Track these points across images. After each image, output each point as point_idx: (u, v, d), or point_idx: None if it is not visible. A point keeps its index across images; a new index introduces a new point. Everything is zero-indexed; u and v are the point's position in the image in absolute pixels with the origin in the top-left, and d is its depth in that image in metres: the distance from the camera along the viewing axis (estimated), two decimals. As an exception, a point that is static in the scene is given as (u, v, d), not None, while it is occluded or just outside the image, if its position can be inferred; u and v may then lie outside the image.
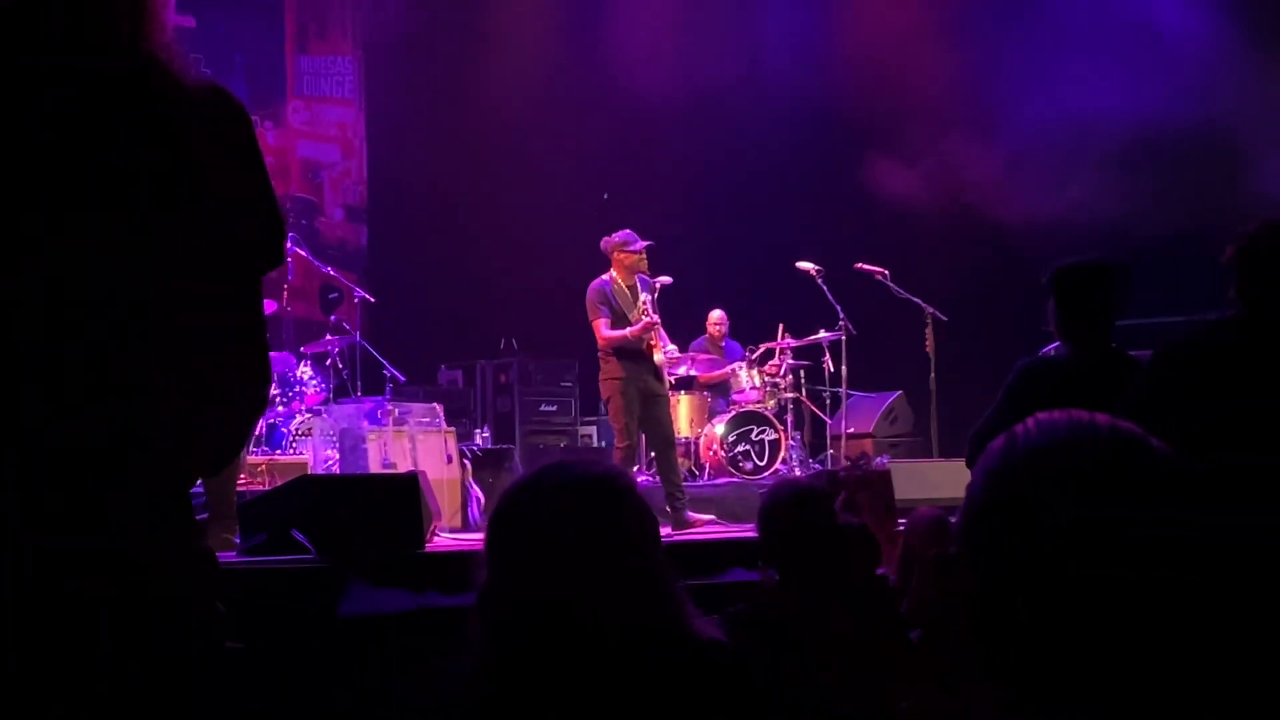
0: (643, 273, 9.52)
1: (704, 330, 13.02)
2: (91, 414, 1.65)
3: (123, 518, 1.67)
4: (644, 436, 10.05)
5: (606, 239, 9.59)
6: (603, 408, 9.98)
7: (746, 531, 8.45)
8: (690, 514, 9.37)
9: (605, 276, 9.51)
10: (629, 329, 9.32)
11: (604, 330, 9.38)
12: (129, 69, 1.76)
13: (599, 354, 9.48)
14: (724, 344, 13.00)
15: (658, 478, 9.79)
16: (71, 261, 1.66)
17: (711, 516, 9.69)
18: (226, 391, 1.84)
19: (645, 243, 9.54)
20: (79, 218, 1.68)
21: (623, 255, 9.43)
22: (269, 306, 10.53)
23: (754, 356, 12.40)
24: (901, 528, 4.65)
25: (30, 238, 1.64)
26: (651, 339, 9.39)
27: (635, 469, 10.96)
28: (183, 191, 1.78)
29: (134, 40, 1.79)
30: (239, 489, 7.65)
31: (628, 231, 9.60)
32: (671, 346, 9.79)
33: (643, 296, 9.52)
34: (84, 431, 1.64)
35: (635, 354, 9.34)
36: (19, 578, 1.56)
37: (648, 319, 9.36)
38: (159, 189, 1.75)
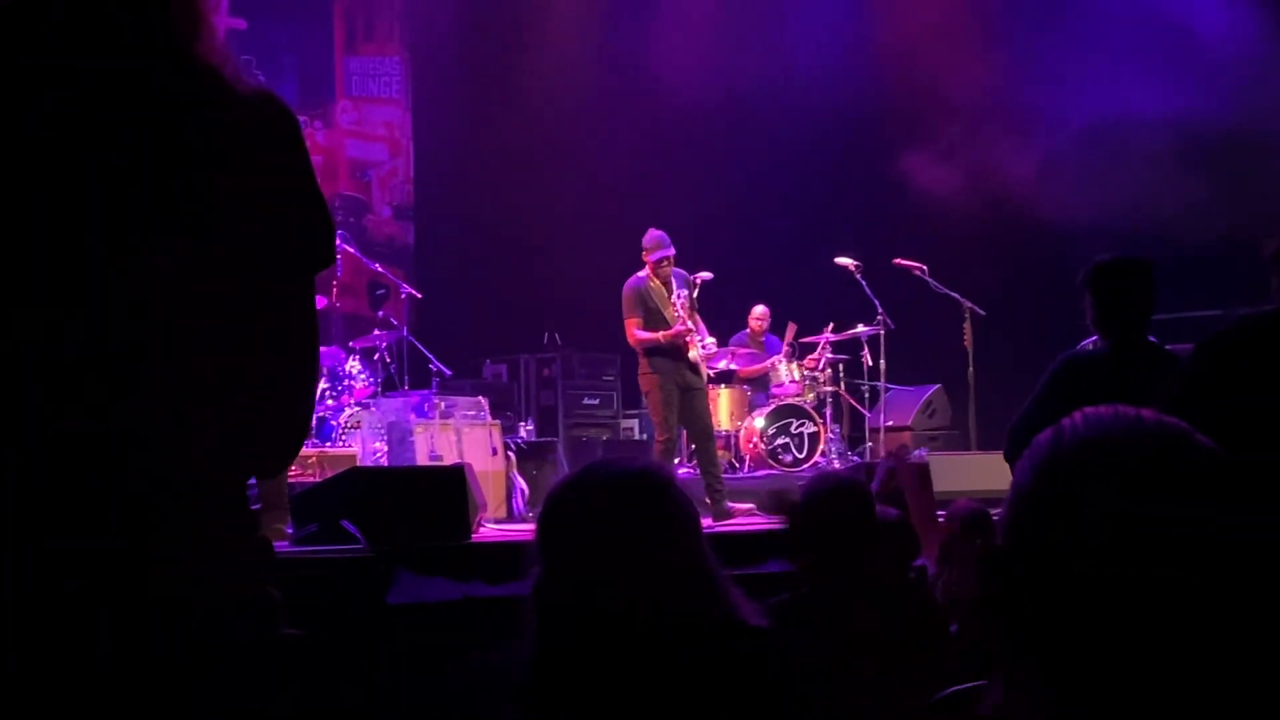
0: (664, 279, 9.49)
1: (744, 325, 13.00)
2: (87, 414, 1.64)
3: (127, 517, 1.65)
4: (684, 430, 10.02)
5: (647, 232, 9.60)
6: (643, 401, 9.98)
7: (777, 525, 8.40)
8: (730, 504, 9.36)
9: (641, 274, 9.51)
10: (661, 332, 9.31)
11: (636, 331, 9.39)
12: (160, 69, 1.75)
13: (637, 351, 9.50)
14: (764, 339, 12.97)
15: (698, 470, 9.78)
16: (72, 261, 1.66)
17: (751, 506, 9.68)
18: (274, 388, 1.84)
19: (664, 253, 9.44)
20: (80, 217, 1.67)
21: (647, 259, 9.47)
22: (319, 303, 10.54)
23: (790, 342, 12.36)
24: (941, 520, 4.62)
25: (31, 236, 1.64)
26: (686, 338, 9.40)
27: (676, 461, 10.96)
28: (200, 195, 1.75)
29: (184, 41, 1.78)
30: (290, 480, 7.69)
31: (658, 234, 9.56)
32: (710, 340, 9.76)
33: (676, 294, 9.49)
34: (79, 431, 1.62)
35: (671, 349, 9.37)
36: (19, 578, 1.55)
37: (680, 325, 9.32)
38: (170, 192, 1.72)
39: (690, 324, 9.43)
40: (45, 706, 1.56)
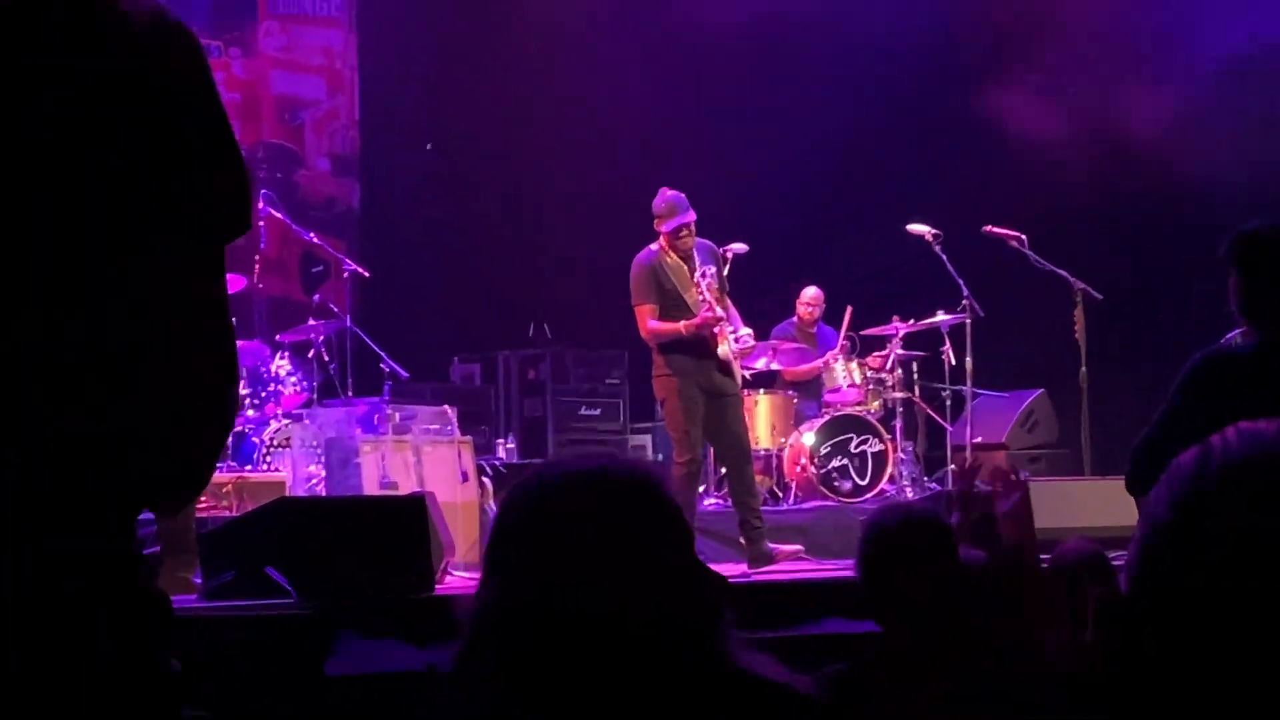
0: (684, 253, 9.39)
1: (791, 312, 12.99)
2: (87, 414, 1.87)
3: (127, 517, 1.93)
4: (711, 448, 10.00)
5: (659, 193, 9.49)
6: (658, 412, 9.96)
7: (843, 569, 8.41)
8: (771, 546, 9.35)
9: (653, 248, 9.42)
10: (683, 322, 9.19)
11: (650, 321, 9.28)
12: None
13: (651, 346, 9.46)
14: (816, 329, 12.96)
15: (728, 500, 9.77)
16: (73, 261, 1.90)
17: (798, 548, 9.67)
18: (174, 396, 1.93)
19: (681, 219, 9.31)
20: (81, 216, 1.91)
21: (660, 229, 9.35)
22: (235, 283, 10.60)
23: (845, 338, 12.36)
24: (1046, 564, 4.61)
25: (32, 236, 1.88)
26: (714, 328, 9.31)
27: (701, 490, 10.94)
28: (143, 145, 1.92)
29: None
30: (199, 514, 7.69)
31: (673, 195, 9.36)
32: (746, 332, 9.70)
33: (700, 271, 9.39)
34: (79, 431, 1.87)
35: (695, 343, 9.28)
36: (19, 578, 1.81)
37: (706, 311, 9.21)
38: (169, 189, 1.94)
39: (719, 310, 9.34)
40: (45, 707, 1.82)
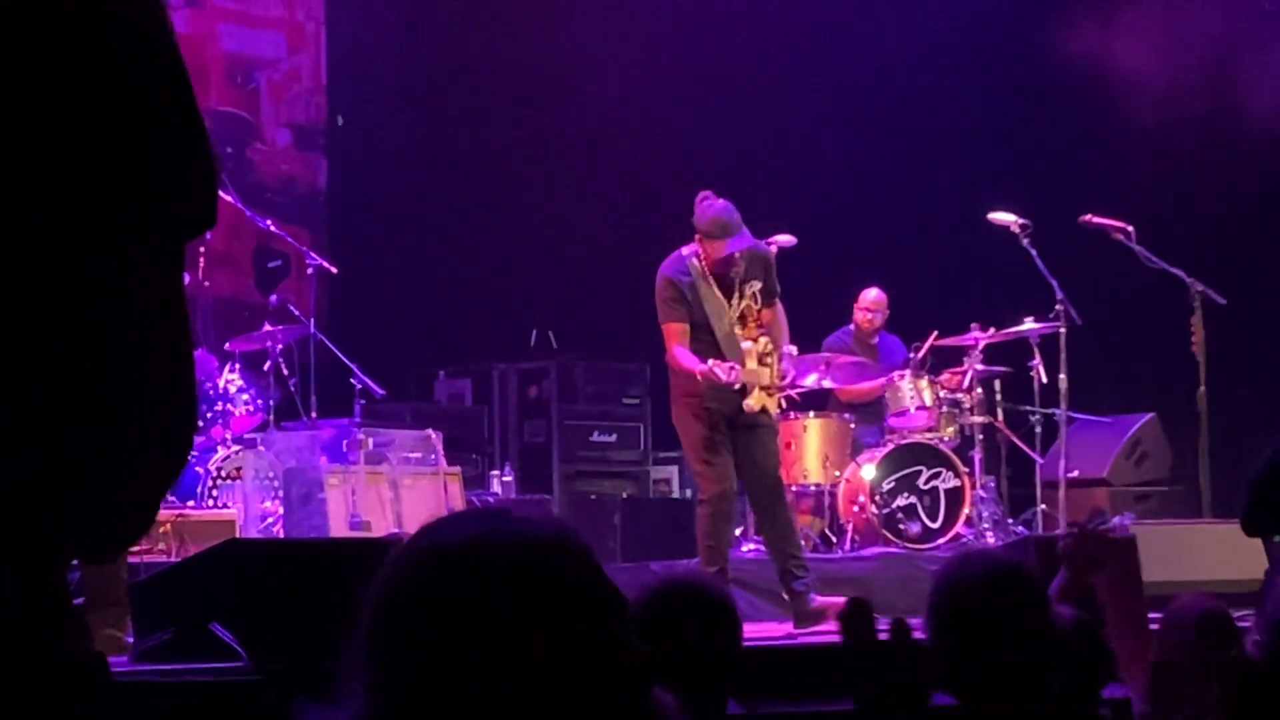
0: (724, 280, 9.36)
1: (847, 318, 12.98)
2: (10, 444, 1.87)
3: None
4: (741, 484, 9.99)
5: (701, 198, 9.42)
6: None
7: (912, 630, 8.39)
8: (817, 598, 9.34)
9: (685, 251, 9.41)
10: (701, 367, 9.12)
11: (676, 346, 9.29)
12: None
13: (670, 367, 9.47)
14: (878, 340, 12.94)
15: (764, 547, 9.75)
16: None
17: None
18: (123, 421, 1.93)
19: (730, 247, 9.22)
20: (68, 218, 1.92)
21: (706, 245, 9.29)
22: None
23: (919, 357, 12.34)
24: (1155, 626, 4.61)
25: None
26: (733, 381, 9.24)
27: (739, 533, 10.94)
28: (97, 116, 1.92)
29: None
30: (130, 560, 7.69)
31: (721, 207, 9.25)
32: (791, 348, 9.71)
33: (741, 289, 9.36)
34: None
35: (722, 361, 9.27)
36: None
37: (733, 372, 9.11)
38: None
39: (755, 345, 9.33)
40: None
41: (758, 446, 9.41)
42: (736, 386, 9.18)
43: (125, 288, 1.91)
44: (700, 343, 9.28)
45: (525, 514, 2.22)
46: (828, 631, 8.97)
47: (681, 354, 9.26)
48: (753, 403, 9.30)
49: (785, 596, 9.35)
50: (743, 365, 9.20)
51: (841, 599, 9.57)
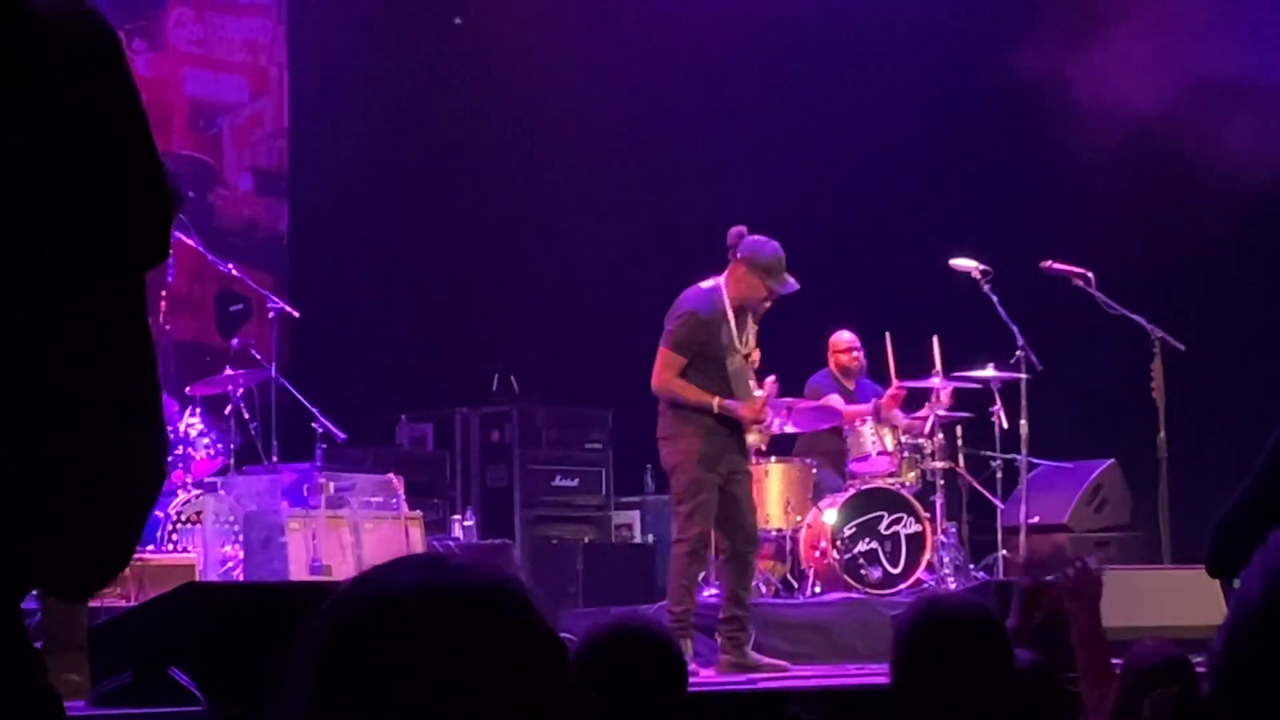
0: (753, 314, 9.55)
1: (811, 362, 12.93)
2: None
3: None
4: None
5: (743, 233, 9.58)
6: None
7: (872, 675, 8.40)
8: (756, 655, 9.42)
9: (712, 284, 9.51)
10: (719, 400, 9.28)
11: (674, 377, 9.39)
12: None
13: (661, 399, 9.53)
14: (856, 385, 12.88)
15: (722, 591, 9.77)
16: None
17: (783, 665, 9.63)
18: (95, 462, 1.95)
19: (786, 289, 9.51)
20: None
21: (754, 280, 9.45)
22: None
23: (897, 378, 12.29)
24: (1116, 671, 4.61)
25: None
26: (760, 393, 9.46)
27: (701, 578, 10.95)
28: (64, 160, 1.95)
29: None
30: (90, 604, 7.66)
31: (776, 247, 9.55)
32: (760, 393, 9.79)
33: (750, 334, 9.59)
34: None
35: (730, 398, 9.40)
36: None
37: (761, 413, 9.39)
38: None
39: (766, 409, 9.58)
40: None
41: (744, 493, 9.50)
42: (762, 424, 9.33)
43: (94, 324, 1.91)
44: (709, 377, 9.38)
45: (462, 562, 2.21)
46: (792, 678, 8.99)
47: (684, 386, 9.32)
48: (755, 439, 9.47)
49: (721, 642, 9.38)
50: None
51: (775, 660, 9.61)
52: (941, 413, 12.23)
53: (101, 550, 1.99)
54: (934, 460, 12.27)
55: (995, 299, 11.60)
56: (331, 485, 10.47)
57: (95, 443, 1.93)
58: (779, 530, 11.99)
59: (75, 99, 1.92)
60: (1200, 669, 4.51)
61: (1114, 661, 4.62)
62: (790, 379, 12.31)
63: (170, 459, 10.68)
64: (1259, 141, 13.05)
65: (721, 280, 9.54)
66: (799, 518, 12.02)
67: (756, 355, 9.67)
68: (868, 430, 12.21)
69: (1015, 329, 11.64)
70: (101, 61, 1.97)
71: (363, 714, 2.07)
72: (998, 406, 12.11)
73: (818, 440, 12.60)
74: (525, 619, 2.15)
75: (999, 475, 12.43)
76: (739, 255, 9.47)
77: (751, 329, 9.60)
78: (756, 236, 9.55)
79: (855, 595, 11.51)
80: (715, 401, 9.29)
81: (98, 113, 1.94)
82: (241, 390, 11.21)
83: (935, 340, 12.04)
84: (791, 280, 9.53)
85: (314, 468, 10.86)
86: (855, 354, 12.84)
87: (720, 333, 9.42)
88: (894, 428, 12.20)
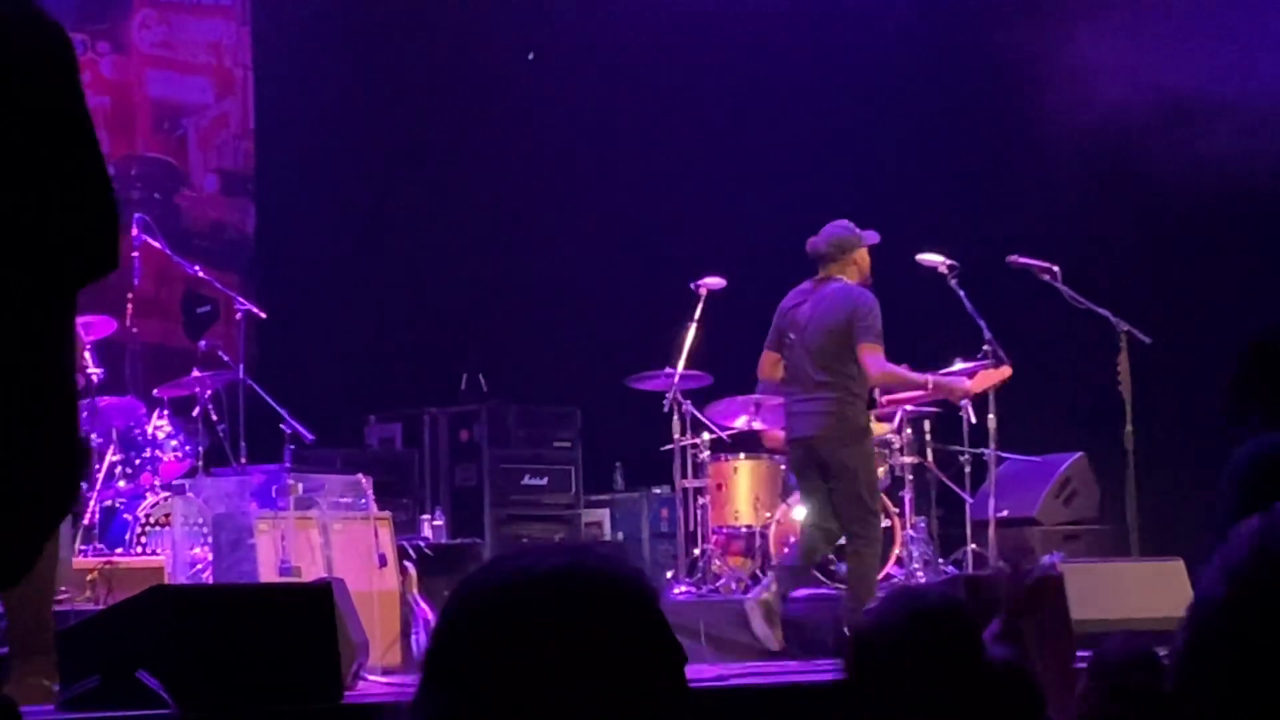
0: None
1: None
2: None
3: None
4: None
5: (817, 245, 10.24)
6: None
7: (832, 672, 8.39)
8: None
9: (841, 283, 10.21)
10: (934, 376, 10.34)
11: (889, 364, 10.08)
12: None
13: (836, 393, 10.02)
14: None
15: (700, 589, 9.80)
16: None
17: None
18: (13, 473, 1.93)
19: (871, 237, 10.27)
20: None
21: (860, 257, 10.24)
22: (103, 327, 10.56)
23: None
24: (1084, 665, 4.61)
25: None
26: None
27: (669, 575, 10.96)
28: None
29: None
30: (57, 608, 7.63)
31: (847, 221, 10.29)
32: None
33: None
34: None
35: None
36: None
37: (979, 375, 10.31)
38: None
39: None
40: None
41: None
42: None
43: (14, 332, 1.90)
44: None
45: (604, 551, 2.23)
46: (760, 674, 8.98)
47: (903, 371, 10.26)
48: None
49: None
50: None
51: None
52: (909, 408, 12.25)
53: (9, 552, 1.98)
54: (902, 455, 12.29)
55: (962, 294, 11.60)
56: (300, 486, 10.43)
57: (19, 443, 1.92)
58: (748, 527, 12.02)
59: (20, 106, 1.90)
60: (1166, 662, 4.51)
61: (1080, 654, 4.62)
62: (744, 376, 12.36)
63: (139, 461, 10.68)
64: (1223, 136, 13.09)
65: (844, 279, 10.26)
66: (768, 514, 12.05)
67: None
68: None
69: (983, 323, 11.63)
70: (51, 70, 1.94)
71: (491, 687, 2.10)
72: (965, 402, 12.12)
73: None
74: (658, 613, 2.19)
75: (967, 469, 12.45)
76: (839, 253, 10.28)
77: None
78: (825, 230, 10.37)
79: (824, 591, 11.51)
80: (932, 379, 10.48)
81: (45, 121, 1.92)
82: (209, 392, 11.18)
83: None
84: (871, 232, 10.38)
85: (282, 469, 10.82)
86: None
87: None
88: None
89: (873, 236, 10.42)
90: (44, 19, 1.95)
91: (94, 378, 10.11)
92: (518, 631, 2.13)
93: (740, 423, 12.14)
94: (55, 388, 1.95)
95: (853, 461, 9.95)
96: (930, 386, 10.31)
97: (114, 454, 10.56)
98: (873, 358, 10.04)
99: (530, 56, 14.95)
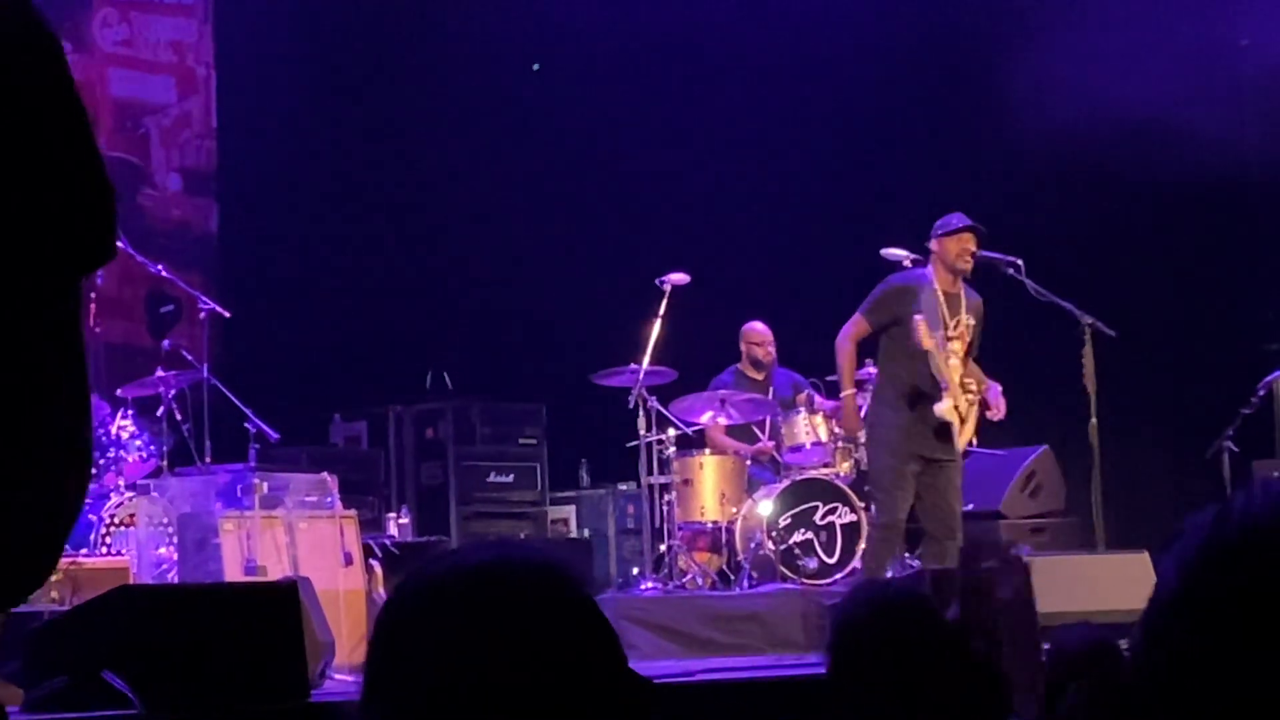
0: (965, 271, 10.39)
1: (736, 355, 12.96)
2: None
3: None
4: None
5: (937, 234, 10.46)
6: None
7: (810, 666, 8.41)
8: None
9: (922, 270, 10.42)
10: (851, 382, 10.45)
11: (848, 331, 10.44)
12: None
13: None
14: (772, 375, 12.94)
15: (667, 585, 9.80)
16: None
17: None
18: (17, 472, 1.94)
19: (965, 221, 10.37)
20: None
21: (947, 241, 10.42)
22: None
23: (805, 394, 12.35)
24: (1046, 655, 4.63)
25: None
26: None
27: (636, 571, 10.97)
28: None
29: None
30: (22, 609, 7.61)
31: (949, 215, 10.46)
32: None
33: (966, 319, 10.41)
34: None
35: (921, 394, 10.21)
36: None
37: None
38: None
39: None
40: None
41: (942, 481, 10.64)
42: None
43: (25, 325, 1.89)
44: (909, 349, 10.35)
45: (531, 544, 2.24)
46: (726, 670, 9.00)
47: (847, 360, 10.67)
48: (945, 406, 10.51)
49: None
50: None
51: None
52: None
53: (29, 559, 1.97)
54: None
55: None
56: (265, 485, 10.42)
57: (32, 443, 1.91)
58: (714, 523, 12.01)
59: (14, 99, 1.90)
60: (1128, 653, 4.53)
61: (1044, 646, 4.64)
62: (706, 371, 12.38)
63: (103, 462, 10.65)
64: (1188, 130, 13.14)
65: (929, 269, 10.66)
66: (734, 510, 12.05)
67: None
68: (801, 420, 12.23)
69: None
70: (42, 62, 1.95)
71: (427, 685, 2.10)
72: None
73: (748, 432, 12.66)
74: (589, 600, 2.19)
75: (933, 464, 12.46)
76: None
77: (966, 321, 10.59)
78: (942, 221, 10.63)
79: (791, 586, 11.53)
80: (849, 393, 10.90)
81: (39, 114, 1.92)
82: (173, 391, 11.16)
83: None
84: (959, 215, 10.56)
85: (248, 468, 10.81)
86: (765, 347, 12.86)
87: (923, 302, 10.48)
88: (828, 418, 12.24)
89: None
90: (32, 9, 1.95)
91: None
92: (447, 626, 2.14)
93: (705, 417, 12.15)
94: (80, 377, 1.95)
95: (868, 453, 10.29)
96: (843, 398, 10.42)
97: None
98: (847, 324, 10.45)
99: (535, 68, 14.96)
